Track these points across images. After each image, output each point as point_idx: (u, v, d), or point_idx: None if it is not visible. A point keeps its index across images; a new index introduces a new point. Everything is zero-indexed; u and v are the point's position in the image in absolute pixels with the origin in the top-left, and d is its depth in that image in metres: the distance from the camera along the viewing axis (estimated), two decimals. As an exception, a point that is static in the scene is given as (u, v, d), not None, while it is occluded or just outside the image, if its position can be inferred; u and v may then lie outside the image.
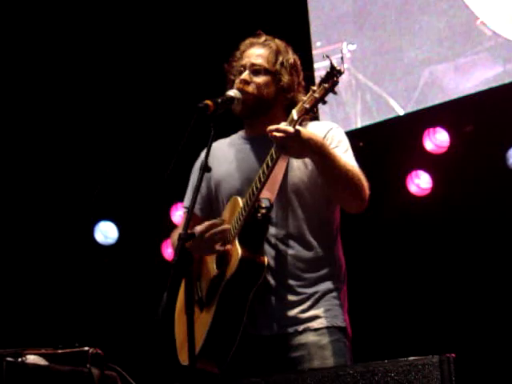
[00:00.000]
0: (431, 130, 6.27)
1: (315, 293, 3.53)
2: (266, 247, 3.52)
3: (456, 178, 6.14)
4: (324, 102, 3.29)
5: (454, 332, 6.00)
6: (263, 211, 3.45)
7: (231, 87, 3.66)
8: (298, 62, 3.75)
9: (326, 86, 3.25)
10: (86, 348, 3.73)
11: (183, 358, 3.61)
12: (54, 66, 6.94)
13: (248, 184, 3.54)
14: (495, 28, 5.75)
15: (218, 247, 3.49)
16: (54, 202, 7.08)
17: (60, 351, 3.72)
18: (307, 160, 3.53)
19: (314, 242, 3.58)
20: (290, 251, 3.55)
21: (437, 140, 6.28)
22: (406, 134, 6.31)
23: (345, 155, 3.55)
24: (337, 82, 3.25)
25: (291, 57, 3.71)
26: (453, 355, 2.89)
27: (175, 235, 3.76)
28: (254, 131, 3.72)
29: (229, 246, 3.47)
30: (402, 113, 6.15)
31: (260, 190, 3.44)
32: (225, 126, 3.61)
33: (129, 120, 7.07)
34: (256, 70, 3.65)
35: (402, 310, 6.29)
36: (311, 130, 3.54)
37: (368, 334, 5.94)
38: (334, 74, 3.24)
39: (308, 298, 3.53)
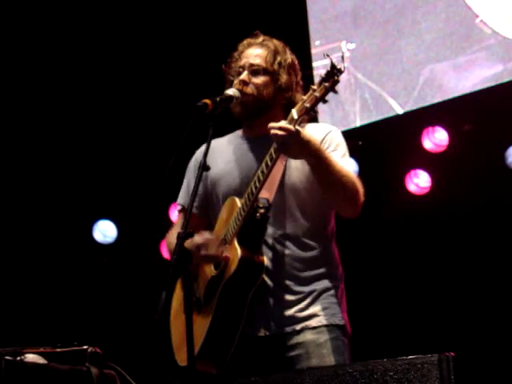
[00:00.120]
0: (430, 128, 6.28)
1: (312, 291, 3.53)
2: (263, 247, 3.52)
3: (455, 177, 6.15)
4: (325, 102, 3.29)
5: (453, 331, 6.01)
6: (262, 211, 3.45)
7: (230, 88, 3.65)
8: (296, 62, 3.75)
9: (327, 84, 3.25)
10: (85, 347, 3.72)
11: (181, 359, 3.60)
12: (53, 66, 6.94)
13: (245, 183, 3.54)
14: (495, 27, 5.75)
15: (215, 257, 3.49)
16: (53, 201, 7.08)
17: (59, 350, 3.72)
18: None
19: (311, 242, 3.58)
20: (287, 251, 3.55)
21: (436, 139, 6.28)
22: (405, 133, 6.32)
23: (342, 160, 3.55)
24: (337, 81, 3.24)
25: (289, 57, 3.71)
26: (452, 354, 2.89)
27: (170, 238, 3.76)
28: (253, 131, 3.71)
29: (227, 254, 3.47)
30: (401, 112, 6.15)
31: (259, 190, 3.43)
32: (223, 124, 3.61)
33: (127, 119, 7.07)
34: (255, 71, 3.65)
35: (401, 309, 6.29)
36: (309, 132, 3.54)
37: (367, 332, 5.94)
38: (334, 73, 3.23)
39: (305, 297, 3.53)
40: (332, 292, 3.56)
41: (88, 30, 6.90)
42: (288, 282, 3.53)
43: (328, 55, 3.28)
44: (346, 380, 2.97)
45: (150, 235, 6.98)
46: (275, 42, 3.73)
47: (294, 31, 6.07)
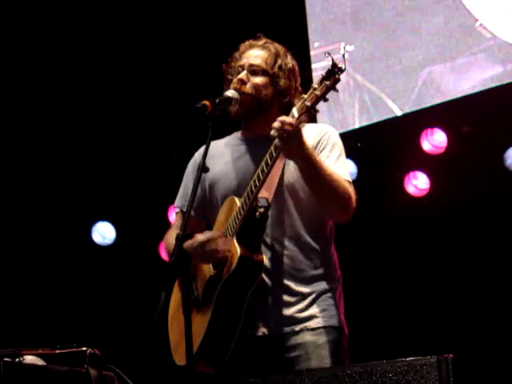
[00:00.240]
0: (429, 130, 6.28)
1: (311, 293, 3.53)
2: (262, 247, 3.52)
3: (454, 179, 6.15)
4: (325, 100, 3.29)
5: (452, 332, 6.01)
6: (261, 210, 3.45)
7: (228, 87, 3.65)
8: (297, 68, 3.74)
9: (328, 83, 3.25)
10: (84, 348, 3.73)
11: (179, 359, 3.59)
12: (53, 66, 6.94)
13: (244, 184, 3.54)
14: (494, 30, 5.75)
15: (217, 256, 3.49)
16: (52, 203, 7.08)
17: (58, 351, 3.72)
18: None
19: (310, 243, 3.58)
20: (286, 251, 3.55)
21: (434, 141, 6.28)
22: (404, 135, 6.32)
23: (337, 162, 3.55)
24: (338, 80, 3.25)
25: (290, 61, 3.71)
26: (451, 356, 2.89)
27: (169, 238, 3.76)
28: (251, 132, 3.71)
29: (228, 253, 3.47)
30: (399, 113, 6.15)
31: (258, 189, 3.43)
32: (222, 126, 3.61)
33: (126, 121, 7.06)
34: (254, 71, 3.65)
35: (400, 311, 6.29)
36: (307, 132, 3.55)
37: (366, 334, 5.94)
38: (335, 72, 3.24)
39: (304, 299, 3.53)
40: (330, 294, 3.56)
41: (87, 31, 6.90)
42: (287, 282, 3.53)
43: (329, 53, 3.28)
44: (344, 381, 2.97)
45: (149, 237, 6.98)
46: (277, 45, 3.73)
47: (293, 33, 6.08)
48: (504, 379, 5.74)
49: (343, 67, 3.24)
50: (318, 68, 6.14)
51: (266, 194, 3.48)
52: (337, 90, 3.26)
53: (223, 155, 3.73)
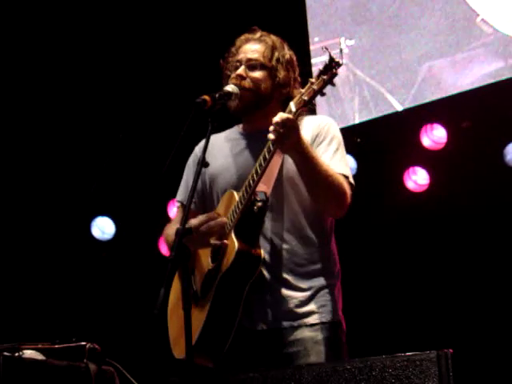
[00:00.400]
0: (429, 126, 6.27)
1: (310, 288, 3.53)
2: (261, 241, 3.52)
3: (453, 175, 6.14)
4: (322, 94, 3.29)
5: (452, 327, 6.01)
6: (259, 204, 3.45)
7: (227, 83, 3.65)
8: (294, 58, 3.74)
9: (325, 77, 3.25)
10: (84, 343, 3.72)
11: (178, 352, 3.60)
12: (51, 62, 6.93)
13: (244, 179, 3.53)
14: (495, 25, 5.75)
15: (213, 241, 3.49)
16: (51, 198, 7.07)
17: (57, 346, 3.71)
18: None
19: (309, 237, 3.58)
20: (285, 245, 3.55)
21: (434, 136, 6.28)
22: (404, 130, 6.31)
23: (334, 156, 3.55)
24: (335, 74, 3.25)
25: (287, 52, 3.71)
26: (450, 351, 2.89)
27: (169, 230, 3.77)
28: (251, 126, 3.72)
29: (225, 240, 3.46)
30: (399, 109, 6.15)
31: (256, 183, 3.43)
32: (222, 121, 3.60)
33: (125, 116, 7.06)
34: (252, 65, 3.65)
35: (399, 306, 6.29)
36: (305, 124, 3.53)
37: (366, 329, 5.95)
38: (332, 66, 3.24)
39: (303, 293, 3.53)
40: (329, 289, 3.57)
41: (85, 26, 6.89)
42: (285, 276, 3.53)
43: (326, 48, 3.28)
44: (344, 376, 2.98)
45: (148, 232, 6.98)
46: (273, 37, 3.72)
47: (292, 27, 6.07)
48: (504, 374, 5.74)
49: (341, 62, 3.24)
50: (318, 63, 6.13)
51: (264, 187, 3.48)
52: (334, 85, 3.27)
53: (223, 149, 3.73)
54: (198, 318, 3.48)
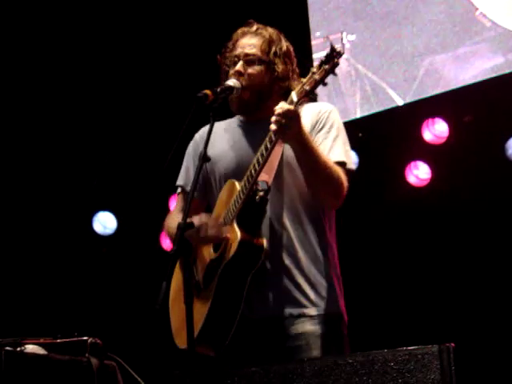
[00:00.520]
0: (430, 120, 6.27)
1: (310, 277, 3.53)
2: (263, 229, 3.51)
3: (455, 169, 6.14)
4: (324, 84, 3.28)
5: (454, 321, 6.01)
6: (261, 194, 3.44)
7: (226, 78, 3.64)
8: (291, 49, 3.73)
9: (327, 67, 3.24)
10: (85, 338, 3.73)
11: (180, 342, 3.59)
12: (51, 58, 6.93)
13: (243, 165, 3.54)
14: (494, 18, 5.74)
15: (215, 239, 3.49)
16: (53, 193, 7.08)
17: (59, 341, 3.72)
18: None
19: (309, 226, 3.57)
20: (286, 234, 3.55)
21: (436, 130, 6.28)
22: (405, 125, 6.31)
23: (333, 144, 3.55)
24: (337, 64, 3.24)
25: (284, 44, 3.69)
26: (452, 345, 2.89)
27: (170, 220, 3.76)
28: (252, 116, 3.71)
29: (227, 235, 3.46)
30: (401, 103, 6.15)
31: (258, 173, 3.43)
32: (224, 115, 3.60)
33: (127, 110, 7.06)
34: (250, 60, 3.63)
35: (401, 300, 6.29)
36: (306, 111, 3.53)
37: (368, 323, 5.95)
38: (334, 56, 3.23)
39: (303, 282, 3.52)
40: (330, 279, 3.56)
41: (82, 21, 6.88)
42: (286, 265, 3.52)
43: (327, 37, 3.28)
44: (346, 370, 2.98)
45: (150, 227, 6.98)
46: (270, 30, 3.70)
47: (294, 22, 6.06)
48: (505, 368, 5.75)
49: (342, 51, 3.23)
50: (320, 57, 6.12)
51: (265, 177, 3.47)
52: (336, 74, 3.26)
53: (223, 136, 3.73)
54: (201, 308, 3.48)
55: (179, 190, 3.84)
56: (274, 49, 3.64)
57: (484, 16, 5.79)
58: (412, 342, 3.04)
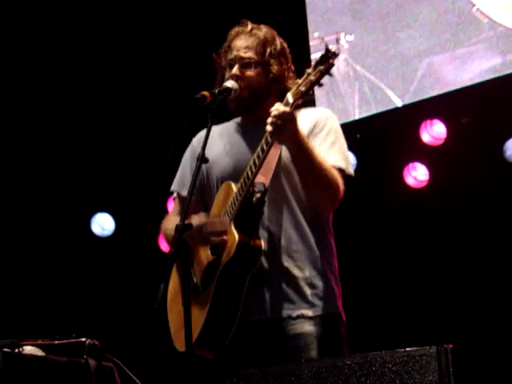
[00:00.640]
0: (428, 121, 6.27)
1: (308, 278, 3.53)
2: (260, 231, 3.51)
3: (453, 170, 6.14)
4: (320, 85, 3.28)
5: (452, 323, 6.01)
6: (258, 195, 3.44)
7: (222, 80, 3.64)
8: (286, 46, 3.72)
9: (322, 68, 3.24)
10: (83, 339, 3.72)
11: (179, 345, 3.59)
12: (50, 58, 6.93)
13: (240, 168, 3.54)
14: (491, 15, 5.75)
15: (214, 239, 3.49)
16: (51, 194, 7.07)
17: (57, 342, 3.72)
18: None
19: (307, 227, 3.57)
20: (284, 235, 3.55)
21: (434, 132, 6.28)
22: (404, 126, 6.32)
23: (330, 148, 3.55)
24: (332, 65, 3.23)
25: (278, 43, 3.68)
26: (450, 346, 2.89)
27: (167, 224, 3.77)
28: (249, 118, 3.71)
29: (225, 237, 3.46)
30: (399, 104, 6.15)
31: (255, 175, 3.43)
32: (222, 117, 3.60)
33: (125, 112, 7.06)
34: (246, 63, 3.63)
35: (399, 302, 6.29)
36: (303, 116, 3.53)
37: (366, 324, 5.95)
38: (329, 57, 3.22)
39: (301, 283, 3.52)
40: (328, 280, 3.56)
41: (82, 22, 6.88)
42: (284, 266, 3.52)
43: (323, 38, 3.28)
44: (344, 372, 2.97)
45: (148, 228, 6.97)
46: (264, 29, 3.69)
47: (292, 23, 6.06)
48: (503, 369, 5.74)
49: (337, 52, 3.23)
50: (315, 59, 6.13)
51: (262, 179, 3.47)
52: (331, 75, 3.25)
53: (221, 138, 3.73)
54: (200, 310, 3.48)
55: (175, 194, 3.84)
56: (269, 49, 3.63)
57: (481, 12, 5.79)
58: (410, 344, 3.04)
